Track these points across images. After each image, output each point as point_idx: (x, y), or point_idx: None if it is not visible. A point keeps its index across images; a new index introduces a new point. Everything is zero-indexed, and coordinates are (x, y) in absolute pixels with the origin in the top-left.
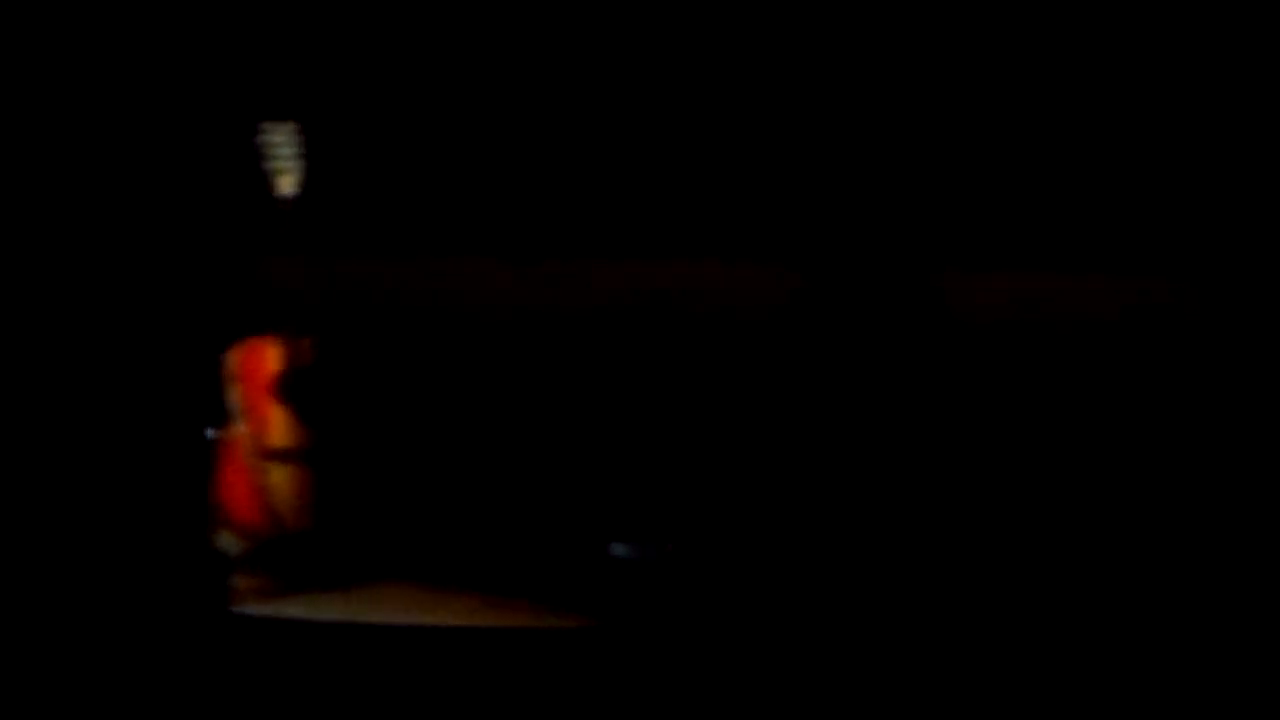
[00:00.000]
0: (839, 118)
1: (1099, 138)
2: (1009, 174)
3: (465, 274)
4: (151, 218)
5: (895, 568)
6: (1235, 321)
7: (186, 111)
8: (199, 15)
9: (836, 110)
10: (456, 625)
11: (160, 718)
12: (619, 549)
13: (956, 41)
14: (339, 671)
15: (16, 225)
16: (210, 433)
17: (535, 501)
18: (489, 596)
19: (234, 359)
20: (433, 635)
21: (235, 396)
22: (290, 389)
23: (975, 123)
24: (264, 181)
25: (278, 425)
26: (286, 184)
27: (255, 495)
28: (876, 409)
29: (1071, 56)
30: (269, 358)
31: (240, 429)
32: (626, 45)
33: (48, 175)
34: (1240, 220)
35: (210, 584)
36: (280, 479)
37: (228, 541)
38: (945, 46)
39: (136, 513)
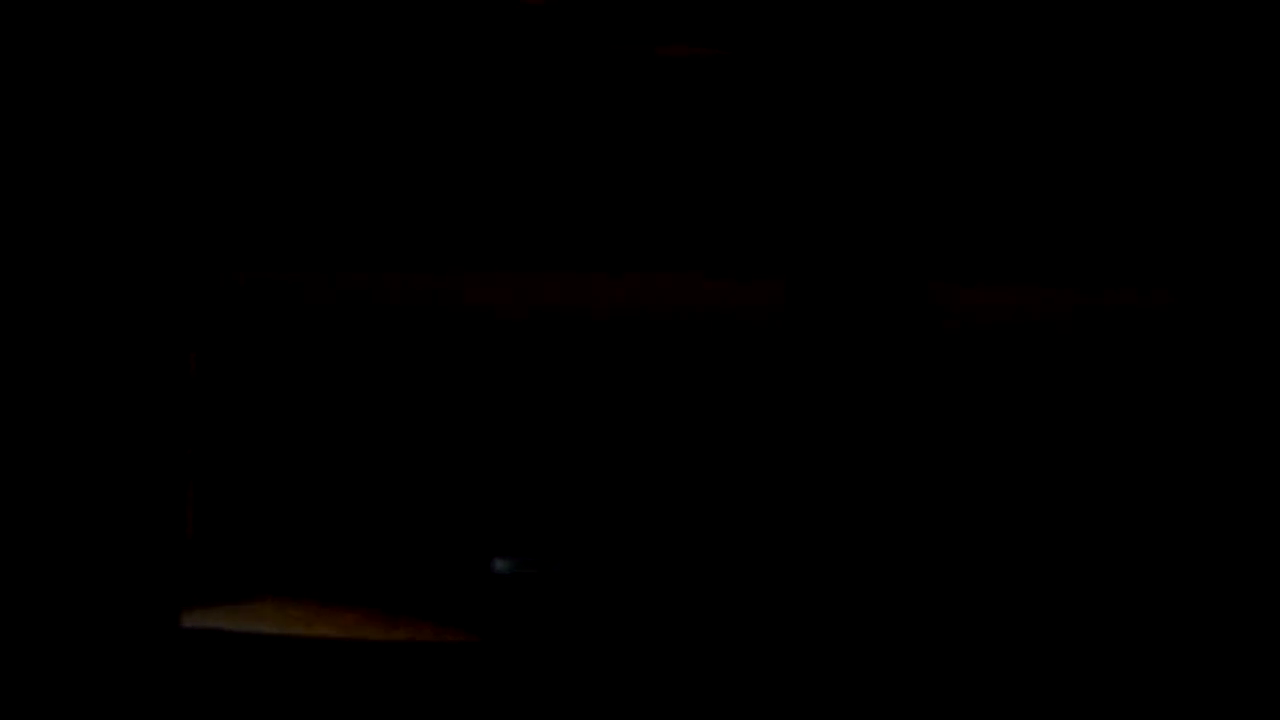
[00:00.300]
0: (826, 124)
1: (1094, 143)
2: (1003, 181)
3: (352, 285)
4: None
5: (833, 580)
6: (1235, 332)
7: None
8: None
9: (823, 116)
10: (337, 638)
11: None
12: (501, 564)
13: (947, 45)
14: (217, 683)
15: None
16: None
17: (418, 515)
18: (370, 611)
19: None
20: (313, 648)
21: None
22: None
23: (968, 128)
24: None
25: None
26: None
27: None
28: (861, 422)
29: (1065, 59)
30: None
31: None
32: (602, 52)
33: None
34: (1241, 229)
35: (157, 595)
36: None
37: None
38: (935, 51)
39: (86, 518)
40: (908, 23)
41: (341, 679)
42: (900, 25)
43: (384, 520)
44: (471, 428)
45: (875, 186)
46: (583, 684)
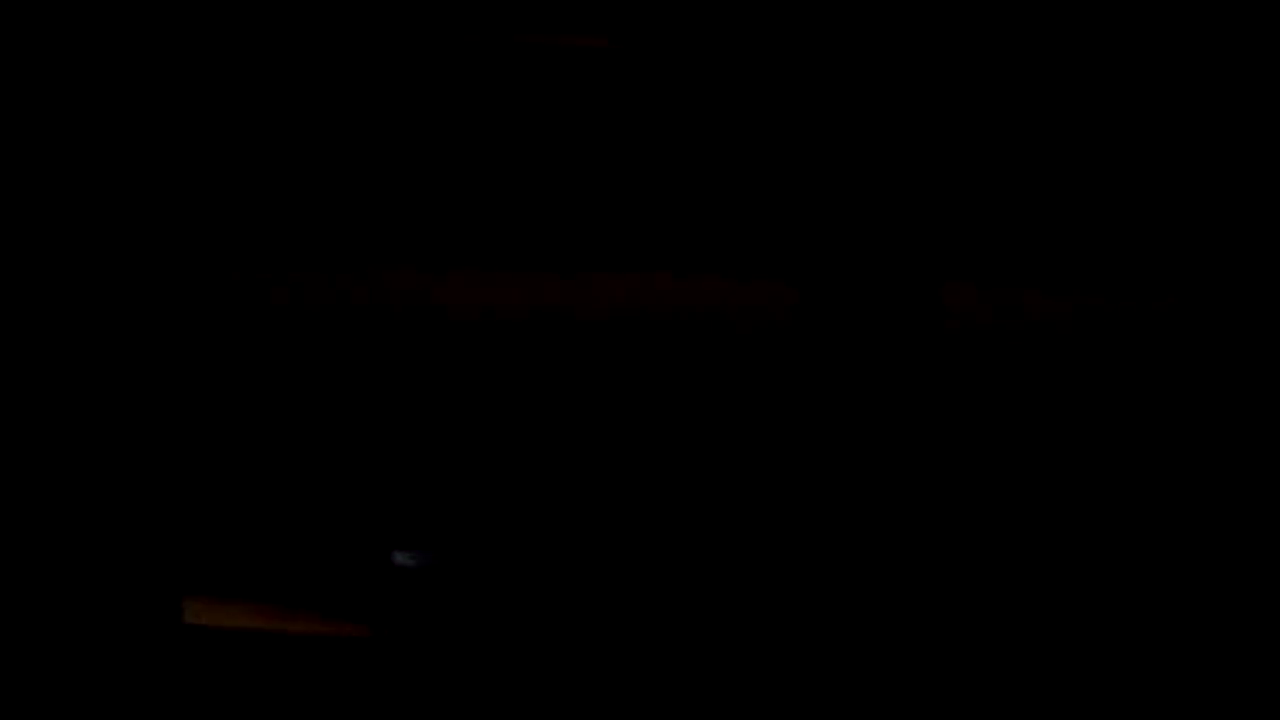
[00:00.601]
0: (836, 124)
1: (1109, 147)
2: (1021, 184)
3: (266, 280)
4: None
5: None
6: (1235, 337)
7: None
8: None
9: (833, 117)
10: (235, 629)
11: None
12: (402, 557)
13: (958, 47)
14: (113, 674)
15: None
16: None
17: (318, 507)
18: (265, 605)
19: None
20: (209, 638)
21: None
22: None
23: (982, 129)
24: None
25: None
26: None
27: None
28: (868, 430)
29: (1073, 64)
30: None
31: None
32: (610, 46)
33: None
34: (1246, 237)
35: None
36: None
37: None
38: (947, 52)
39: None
40: (909, 29)
41: (234, 668)
42: (901, 31)
43: (280, 513)
44: (377, 422)
45: (887, 187)
46: (481, 676)
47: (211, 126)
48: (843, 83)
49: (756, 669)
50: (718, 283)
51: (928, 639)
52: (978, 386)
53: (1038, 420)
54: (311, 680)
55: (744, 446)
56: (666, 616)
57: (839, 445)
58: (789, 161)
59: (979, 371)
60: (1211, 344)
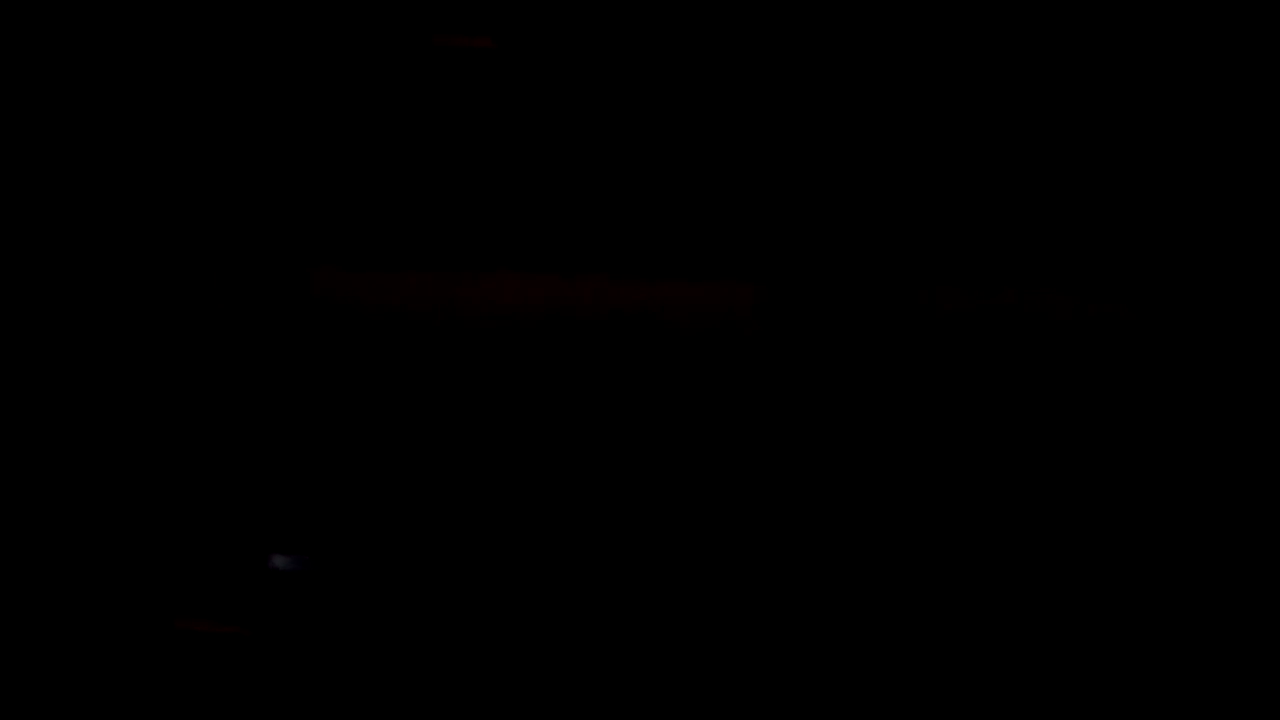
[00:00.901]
0: (803, 120)
1: (1088, 142)
2: (993, 180)
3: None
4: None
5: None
6: (1228, 337)
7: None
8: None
9: (801, 112)
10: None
11: None
12: (280, 561)
13: (931, 43)
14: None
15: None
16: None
17: (197, 509)
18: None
19: None
20: (94, 636)
21: None
22: None
23: (956, 123)
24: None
25: None
26: None
27: None
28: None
29: (1054, 60)
30: None
31: None
32: (573, 48)
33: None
34: (1220, 237)
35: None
36: None
37: None
38: (919, 48)
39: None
40: (859, 23)
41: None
42: (854, 27)
43: (161, 513)
44: (264, 426)
45: (846, 187)
46: (358, 676)
47: (193, 125)
48: (801, 85)
49: (651, 670)
50: (670, 286)
51: (887, 645)
52: (937, 385)
53: (997, 418)
54: (191, 679)
55: (671, 449)
56: (568, 619)
57: (794, 445)
58: (746, 163)
59: (938, 369)
60: (1179, 344)
